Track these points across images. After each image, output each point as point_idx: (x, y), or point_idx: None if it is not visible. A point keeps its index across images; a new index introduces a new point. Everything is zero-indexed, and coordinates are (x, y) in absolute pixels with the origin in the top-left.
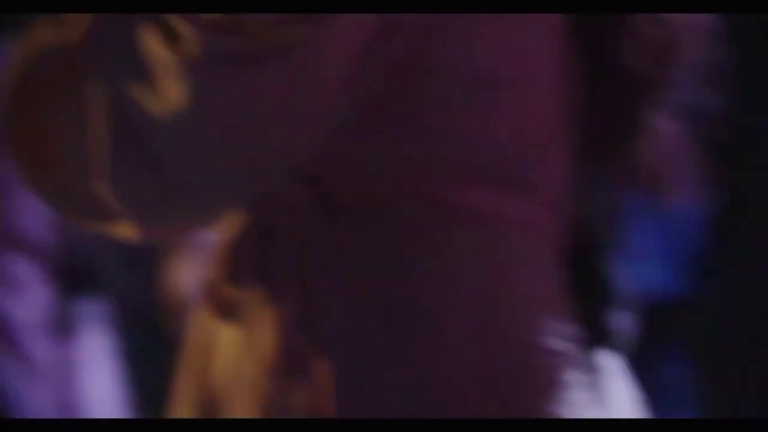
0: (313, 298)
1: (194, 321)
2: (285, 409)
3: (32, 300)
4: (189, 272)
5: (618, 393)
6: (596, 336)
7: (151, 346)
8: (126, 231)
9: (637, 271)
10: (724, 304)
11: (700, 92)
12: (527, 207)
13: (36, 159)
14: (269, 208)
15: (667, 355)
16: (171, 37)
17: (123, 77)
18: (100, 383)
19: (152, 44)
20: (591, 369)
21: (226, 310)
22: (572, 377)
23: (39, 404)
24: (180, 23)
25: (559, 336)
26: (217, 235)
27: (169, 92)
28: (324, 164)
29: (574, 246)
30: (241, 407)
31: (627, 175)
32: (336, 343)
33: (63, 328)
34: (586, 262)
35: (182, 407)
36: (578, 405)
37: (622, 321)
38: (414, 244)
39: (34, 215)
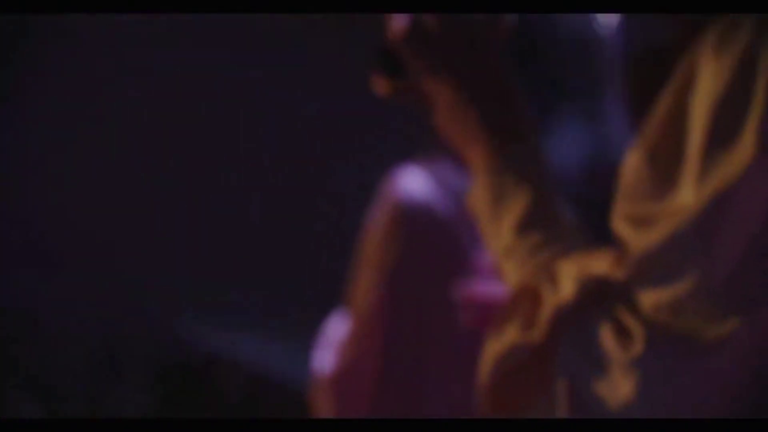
0: None
1: None
2: None
3: None
4: None
5: None
6: None
7: None
8: None
9: None
10: None
11: None
12: None
13: None
14: None
15: None
16: (623, 335)
17: (582, 370)
18: None
19: (608, 342)
20: None
21: None
22: None
23: None
24: (633, 323)
25: None
26: None
27: (620, 385)
28: None
29: None
30: None
31: None
32: None
33: None
34: None
35: None
36: None
37: None
38: None
39: None
